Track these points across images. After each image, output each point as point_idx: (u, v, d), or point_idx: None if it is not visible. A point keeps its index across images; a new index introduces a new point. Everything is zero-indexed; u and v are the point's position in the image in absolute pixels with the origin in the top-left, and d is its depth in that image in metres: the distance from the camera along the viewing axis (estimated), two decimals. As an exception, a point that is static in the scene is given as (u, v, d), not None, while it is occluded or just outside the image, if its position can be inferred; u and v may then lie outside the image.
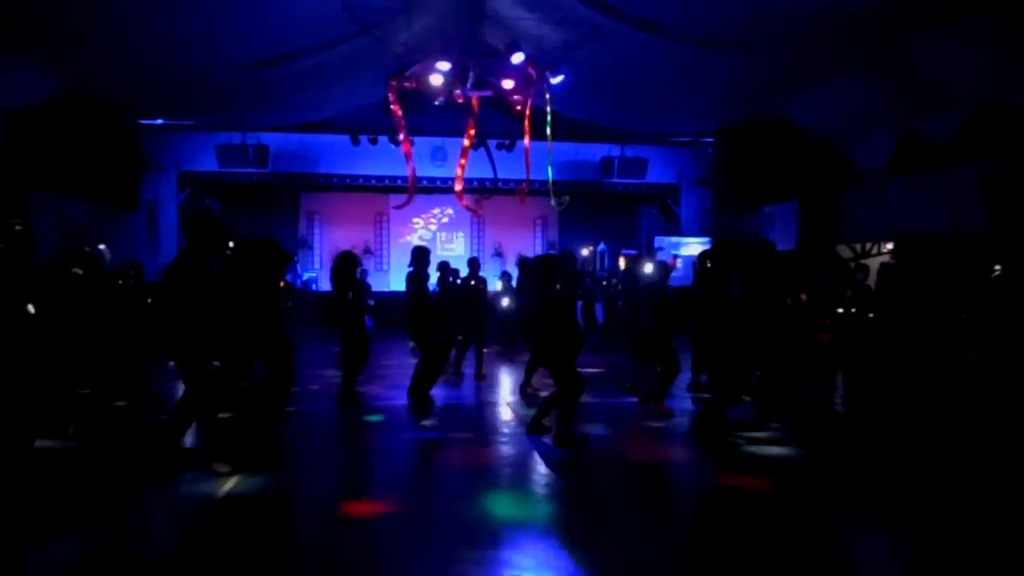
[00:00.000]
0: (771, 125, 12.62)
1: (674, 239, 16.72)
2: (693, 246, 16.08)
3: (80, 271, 6.87)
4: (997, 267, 6.67)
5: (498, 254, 19.46)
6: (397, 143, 12.64)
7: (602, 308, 13.08)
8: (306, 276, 17.94)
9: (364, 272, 11.95)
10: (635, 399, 7.58)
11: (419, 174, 13.39)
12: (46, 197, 11.29)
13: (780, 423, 6.27)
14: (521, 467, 5.38)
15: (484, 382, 9.16)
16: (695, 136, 16.13)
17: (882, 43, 8.68)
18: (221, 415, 5.33)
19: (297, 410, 7.02)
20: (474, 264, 9.74)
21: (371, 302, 11.17)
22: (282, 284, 10.24)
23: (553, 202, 12.59)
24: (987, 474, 5.15)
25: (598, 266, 16.30)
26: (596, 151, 17.02)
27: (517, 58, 10.41)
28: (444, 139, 15.96)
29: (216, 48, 9.89)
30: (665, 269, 7.79)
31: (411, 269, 7.63)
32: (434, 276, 9.02)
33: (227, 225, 5.51)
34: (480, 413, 7.43)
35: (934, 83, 8.88)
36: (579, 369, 5.98)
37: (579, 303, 10.14)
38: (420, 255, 7.67)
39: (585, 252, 15.70)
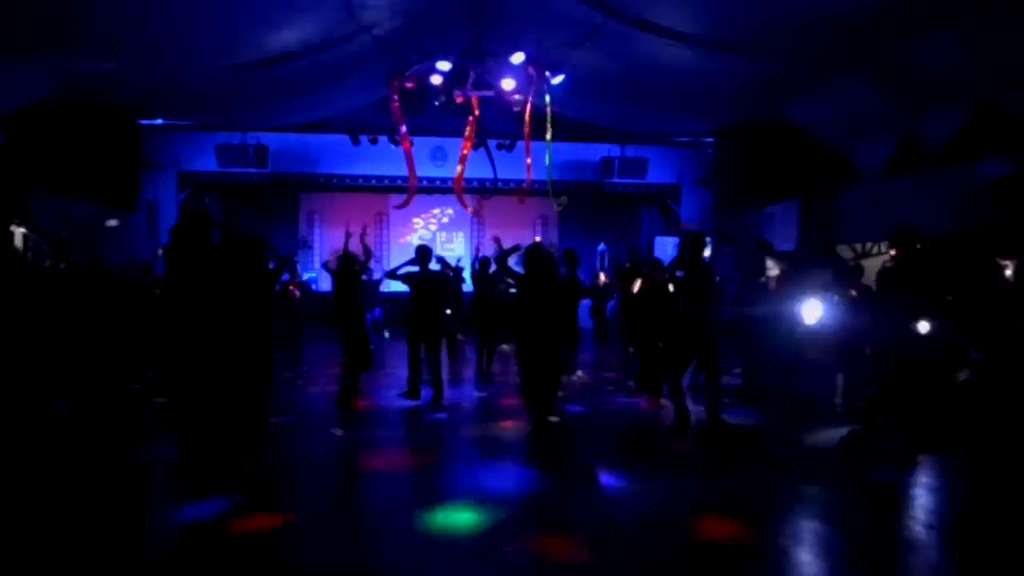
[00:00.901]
0: (771, 125, 12.62)
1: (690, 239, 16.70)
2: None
3: (61, 263, 6.89)
4: (1007, 264, 6.66)
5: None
6: (397, 143, 12.63)
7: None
8: (306, 276, 17.92)
9: (371, 271, 12.04)
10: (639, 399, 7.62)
11: (419, 174, 13.37)
12: (46, 196, 11.29)
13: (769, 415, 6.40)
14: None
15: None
16: (695, 136, 16.11)
17: (882, 44, 8.68)
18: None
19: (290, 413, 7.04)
20: (485, 263, 9.89)
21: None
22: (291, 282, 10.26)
23: (553, 203, 12.58)
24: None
25: (598, 266, 16.29)
26: (596, 151, 17.00)
27: (517, 58, 10.40)
28: (444, 139, 15.95)
29: (216, 48, 9.88)
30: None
31: (416, 270, 7.72)
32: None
33: (212, 222, 5.48)
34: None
35: (934, 83, 8.89)
36: (587, 369, 6.04)
37: (588, 301, 10.17)
38: (423, 254, 7.78)
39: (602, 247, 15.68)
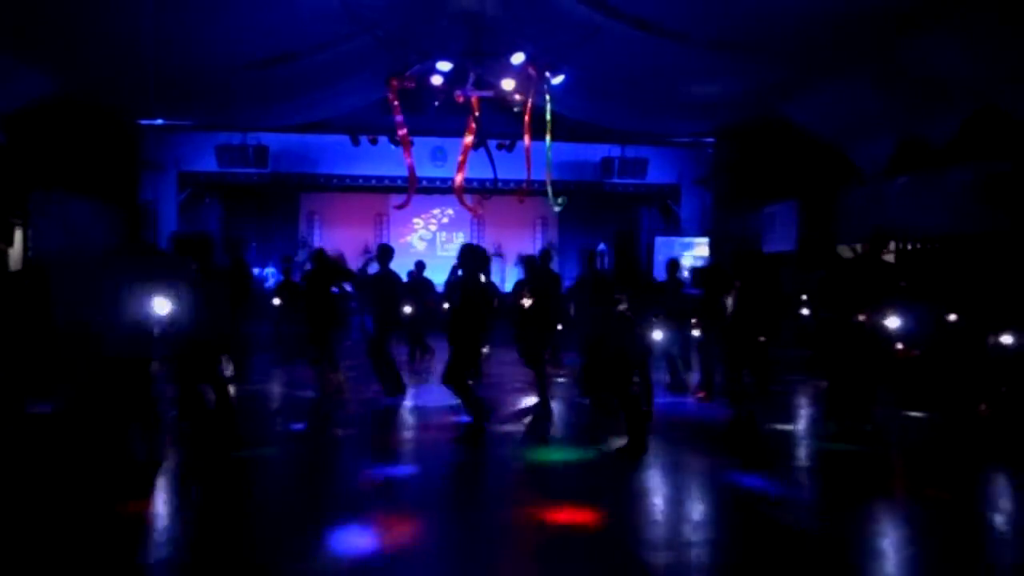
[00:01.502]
0: (771, 125, 12.62)
1: (686, 240, 16.72)
2: (702, 246, 16.15)
3: None
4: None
5: (498, 254, 19.43)
6: (397, 143, 12.62)
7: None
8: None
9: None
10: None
11: (419, 174, 13.36)
12: (46, 196, 11.29)
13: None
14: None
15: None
16: (695, 136, 16.10)
17: (882, 44, 8.68)
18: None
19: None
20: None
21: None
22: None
23: (552, 203, 12.57)
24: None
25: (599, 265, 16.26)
26: (596, 151, 16.99)
27: (517, 58, 10.40)
28: (444, 139, 15.94)
29: (216, 48, 9.87)
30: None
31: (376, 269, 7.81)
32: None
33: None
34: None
35: (934, 84, 8.89)
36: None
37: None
38: (383, 253, 7.89)
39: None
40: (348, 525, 4.03)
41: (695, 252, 16.23)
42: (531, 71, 10.65)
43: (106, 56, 9.63)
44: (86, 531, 3.90)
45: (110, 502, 4.29)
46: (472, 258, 6.15)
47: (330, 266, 7.62)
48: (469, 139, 12.10)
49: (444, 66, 10.58)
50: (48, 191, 11.31)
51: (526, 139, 11.66)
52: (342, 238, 18.74)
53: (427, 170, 15.96)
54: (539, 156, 12.12)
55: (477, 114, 11.84)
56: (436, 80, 10.68)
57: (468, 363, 6.02)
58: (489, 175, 13.17)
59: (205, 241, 6.01)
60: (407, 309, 7.83)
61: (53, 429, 5.78)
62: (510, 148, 14.88)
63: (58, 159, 11.36)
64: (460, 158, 12.13)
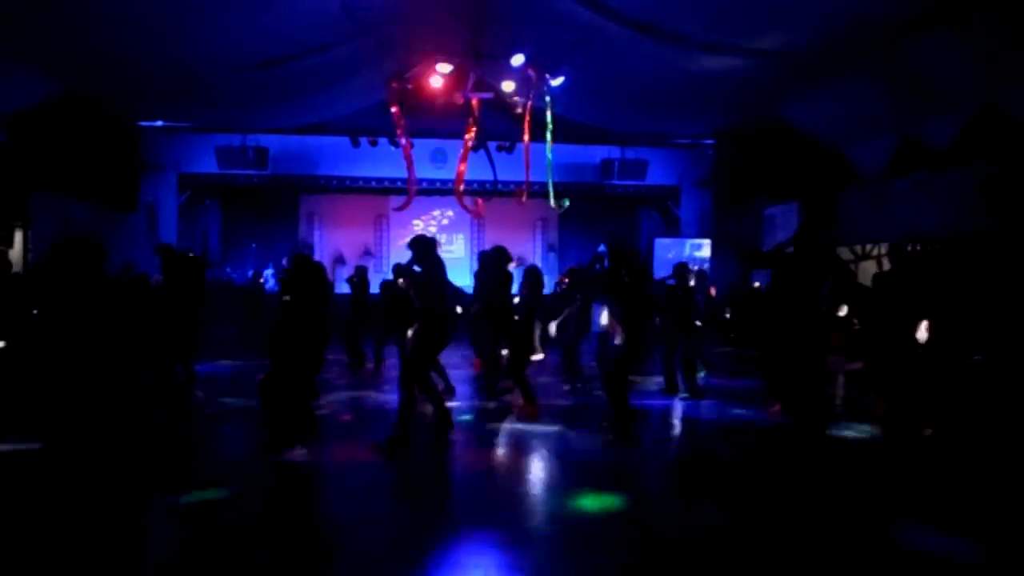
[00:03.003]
0: (771, 127, 12.64)
1: (695, 241, 16.75)
2: (705, 248, 16.16)
3: None
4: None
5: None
6: (397, 145, 12.64)
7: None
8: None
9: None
10: None
11: (419, 176, 13.37)
12: (46, 197, 11.30)
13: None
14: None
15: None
16: (695, 138, 16.12)
17: (882, 45, 8.69)
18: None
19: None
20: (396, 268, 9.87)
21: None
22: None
23: (553, 204, 12.57)
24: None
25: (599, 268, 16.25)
26: (596, 153, 17.00)
27: (517, 60, 10.42)
28: (444, 141, 15.95)
29: (216, 49, 9.89)
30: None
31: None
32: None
33: None
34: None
35: (934, 85, 8.89)
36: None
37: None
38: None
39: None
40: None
41: (700, 253, 16.27)
42: (531, 73, 10.68)
43: (106, 58, 9.64)
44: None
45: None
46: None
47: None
48: (469, 140, 12.12)
49: (444, 68, 10.60)
50: (48, 192, 11.33)
51: (526, 141, 11.67)
52: (342, 240, 18.75)
53: (427, 172, 15.96)
54: (539, 158, 12.14)
55: (477, 116, 11.86)
56: (436, 82, 10.70)
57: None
58: (489, 176, 13.19)
59: (74, 248, 5.87)
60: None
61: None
62: (510, 150, 14.88)
63: (59, 160, 11.38)
64: (460, 160, 12.15)
